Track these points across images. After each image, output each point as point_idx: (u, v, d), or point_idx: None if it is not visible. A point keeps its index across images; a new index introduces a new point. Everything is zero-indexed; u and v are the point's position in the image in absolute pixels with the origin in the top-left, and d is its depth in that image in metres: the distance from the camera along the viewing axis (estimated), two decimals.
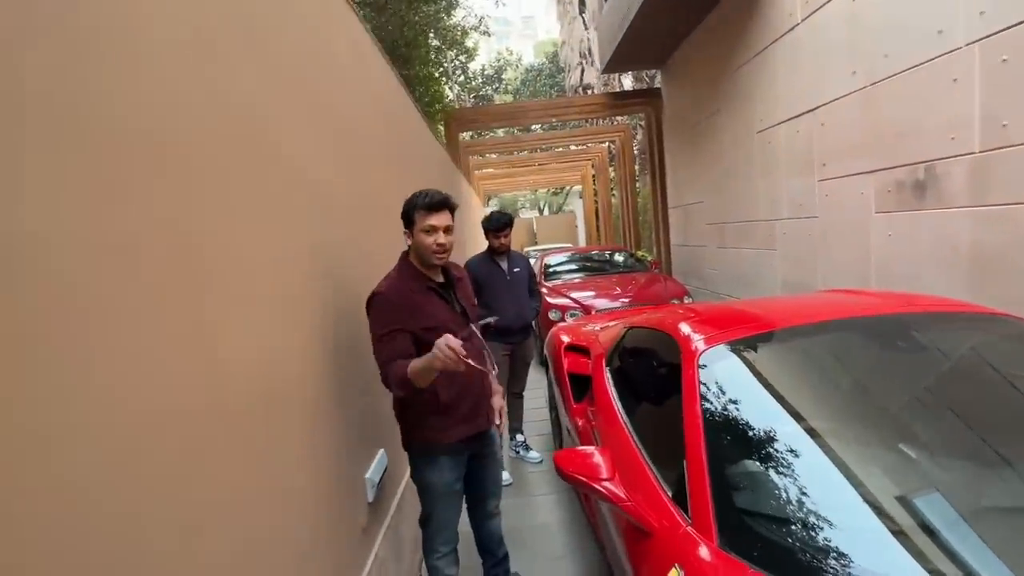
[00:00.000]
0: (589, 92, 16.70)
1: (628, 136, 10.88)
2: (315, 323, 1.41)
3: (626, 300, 5.07)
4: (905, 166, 3.01)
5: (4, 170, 0.56)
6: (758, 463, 1.23)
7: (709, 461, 1.23)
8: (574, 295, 5.29)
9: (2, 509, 0.53)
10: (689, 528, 1.15)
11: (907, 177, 3.01)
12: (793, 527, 1.06)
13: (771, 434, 1.26)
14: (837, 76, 3.52)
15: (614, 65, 7.80)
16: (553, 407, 3.18)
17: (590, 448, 1.47)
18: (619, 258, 7.03)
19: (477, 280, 2.91)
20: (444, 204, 1.58)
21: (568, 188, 23.53)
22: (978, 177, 2.56)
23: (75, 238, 0.65)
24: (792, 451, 1.22)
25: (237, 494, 0.94)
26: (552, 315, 5.01)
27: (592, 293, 5.35)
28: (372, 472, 1.70)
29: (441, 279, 1.67)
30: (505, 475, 2.98)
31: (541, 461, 3.20)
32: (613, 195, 14.68)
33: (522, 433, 3.34)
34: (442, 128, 8.30)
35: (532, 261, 5.56)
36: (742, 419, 1.33)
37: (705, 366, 1.50)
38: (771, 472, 1.19)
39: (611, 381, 2.12)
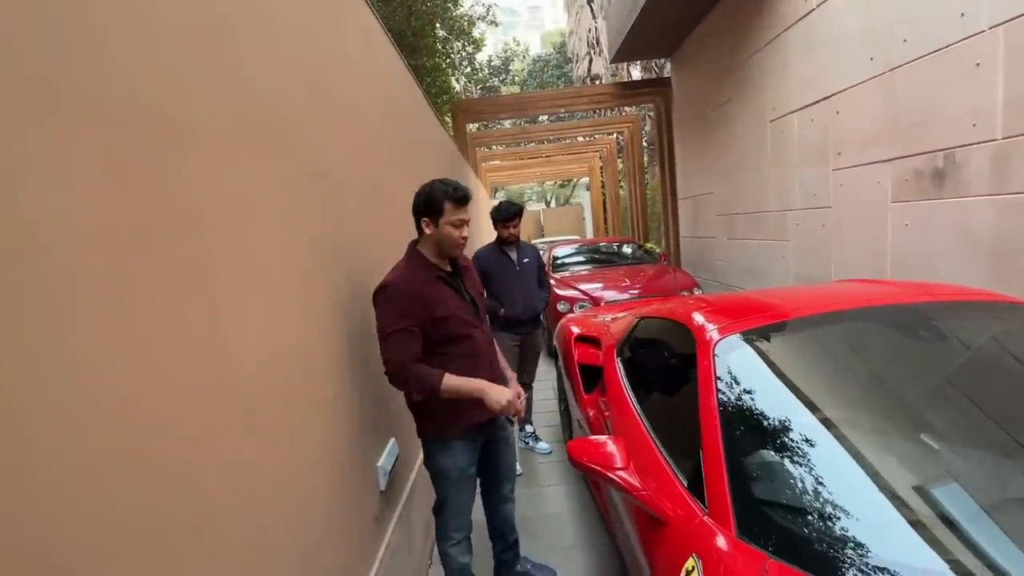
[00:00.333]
0: (597, 82, 16.54)
1: (637, 127, 10.77)
2: (326, 312, 1.41)
3: (635, 292, 5.03)
4: (924, 154, 2.94)
5: (13, 156, 0.55)
6: (775, 453, 1.21)
7: (726, 450, 1.21)
8: (583, 287, 5.26)
9: (25, 500, 0.53)
10: (706, 518, 1.13)
11: (925, 166, 2.94)
12: (811, 517, 1.04)
13: (788, 424, 1.24)
14: (853, 63, 3.45)
15: (623, 55, 7.70)
16: (562, 398, 3.17)
17: (603, 437, 1.46)
18: (627, 250, 6.98)
19: (486, 271, 2.89)
20: (468, 198, 1.60)
21: (575, 180, 23.40)
22: (1000, 164, 2.50)
23: (84, 226, 0.64)
24: (810, 441, 1.20)
25: (251, 482, 0.94)
26: (561, 307, 4.99)
27: (601, 285, 5.32)
28: (384, 460, 1.70)
29: (449, 268, 1.66)
30: (516, 465, 2.99)
31: (550, 452, 3.20)
32: (621, 187, 14.57)
33: (531, 424, 3.34)
34: (449, 120, 8.26)
35: (541, 253, 5.54)
36: (758, 408, 1.31)
37: (721, 355, 1.48)
38: (788, 462, 1.17)
39: (623, 371, 2.11)
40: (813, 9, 3.86)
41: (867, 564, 0.92)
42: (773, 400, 1.32)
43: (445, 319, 1.55)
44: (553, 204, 26.81)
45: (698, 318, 1.75)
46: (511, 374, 1.84)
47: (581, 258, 6.68)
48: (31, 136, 0.58)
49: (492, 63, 19.30)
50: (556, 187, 26.18)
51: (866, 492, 1.06)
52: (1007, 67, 2.42)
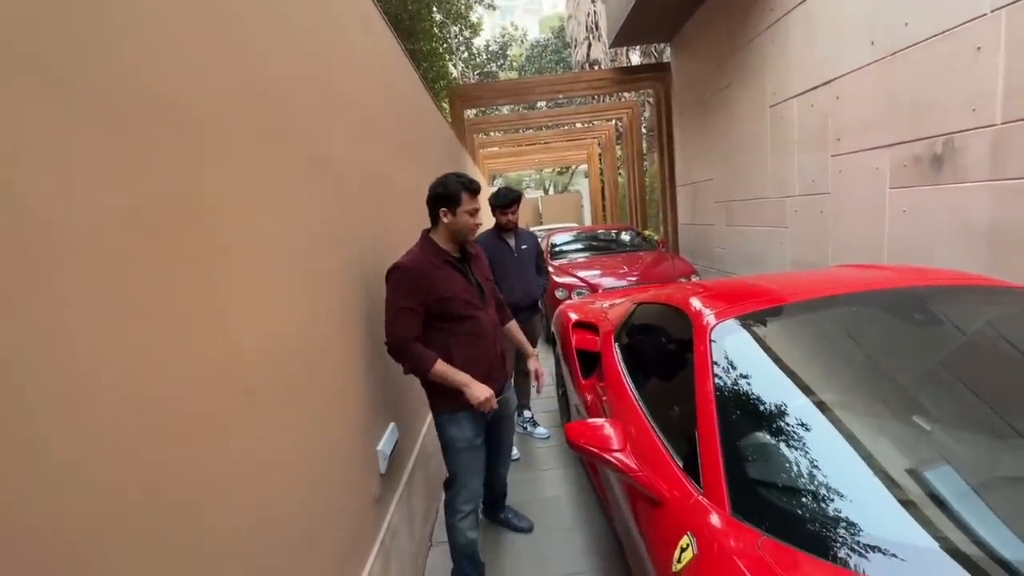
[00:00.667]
0: (596, 68, 16.36)
1: (636, 113, 10.69)
2: (327, 298, 1.41)
3: (633, 278, 5.04)
4: (923, 139, 2.94)
5: (15, 144, 0.55)
6: (769, 434, 1.23)
7: (721, 432, 1.23)
8: (581, 274, 5.27)
9: (32, 484, 0.54)
10: (701, 497, 1.15)
11: (924, 151, 2.94)
12: (804, 496, 1.06)
13: (783, 406, 1.26)
14: (854, 47, 3.42)
15: (622, 39, 7.61)
16: (560, 384, 3.20)
17: (601, 420, 1.47)
18: (626, 237, 6.97)
19: None
20: (480, 189, 1.80)
21: (574, 168, 23.28)
22: (999, 150, 2.50)
23: (87, 211, 0.64)
24: (803, 423, 1.22)
25: (251, 466, 0.95)
26: (559, 294, 5.00)
27: (599, 272, 5.32)
28: (384, 444, 1.71)
29: (458, 255, 1.80)
30: (514, 451, 3.02)
31: (548, 437, 3.24)
32: (620, 174, 14.50)
33: (529, 409, 3.37)
34: (447, 106, 8.18)
35: (539, 241, 5.53)
36: (754, 391, 1.33)
37: (717, 340, 1.49)
38: (782, 443, 1.19)
39: (620, 356, 2.12)
40: None
41: (859, 542, 0.94)
42: (768, 383, 1.34)
43: (450, 299, 1.69)
44: (551, 192, 26.69)
45: (695, 303, 1.76)
46: (531, 350, 2.16)
47: (579, 245, 6.68)
48: (34, 124, 0.58)
49: (490, 48, 19.06)
50: (554, 174, 26.05)
51: (858, 472, 1.08)
52: (1008, 51, 2.41)
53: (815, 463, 1.12)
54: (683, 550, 1.06)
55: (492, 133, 13.15)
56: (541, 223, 17.47)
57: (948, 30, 2.70)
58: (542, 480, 2.73)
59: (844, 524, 0.98)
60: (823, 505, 1.03)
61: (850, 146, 3.58)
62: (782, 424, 1.22)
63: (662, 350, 1.88)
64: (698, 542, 1.05)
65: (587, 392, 2.29)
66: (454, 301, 1.70)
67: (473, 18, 11.13)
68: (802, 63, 4.08)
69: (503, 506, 2.35)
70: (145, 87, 0.76)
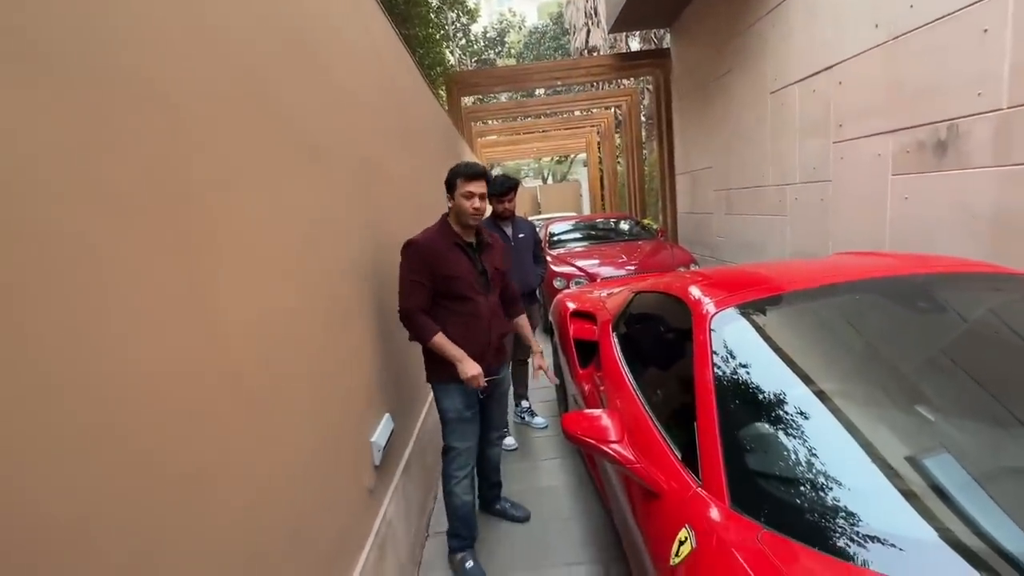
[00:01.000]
0: (595, 54, 16.16)
1: (635, 100, 10.57)
2: (317, 287, 1.37)
3: (631, 268, 5.01)
4: (926, 125, 2.89)
5: None
6: (770, 425, 1.20)
7: (720, 423, 1.20)
8: (579, 263, 5.23)
9: (22, 466, 0.51)
10: (699, 490, 1.13)
11: (928, 137, 2.89)
12: (804, 488, 1.04)
13: (783, 396, 1.23)
14: (857, 30, 3.35)
15: (621, 24, 7.49)
16: (558, 373, 3.18)
17: (598, 411, 1.45)
18: (624, 226, 6.93)
19: None
20: (482, 174, 1.87)
21: (572, 156, 23.12)
22: (1004, 135, 2.45)
23: (65, 194, 0.60)
24: (804, 413, 1.19)
25: (237, 456, 0.93)
26: (557, 283, 4.97)
27: (597, 261, 5.29)
28: (378, 436, 1.69)
29: (472, 241, 1.91)
30: (510, 440, 3.01)
31: (546, 426, 3.22)
32: (619, 162, 14.40)
33: (527, 399, 3.35)
34: (444, 94, 8.07)
35: (536, 230, 5.48)
36: (754, 382, 1.30)
37: (716, 329, 1.46)
38: (783, 434, 1.16)
39: (618, 346, 2.10)
40: None
41: (861, 534, 0.92)
42: (768, 373, 1.31)
43: (453, 279, 1.81)
44: (550, 181, 26.54)
45: (694, 291, 1.73)
46: (536, 346, 2.21)
47: (578, 234, 6.63)
48: (9, 102, 0.54)
49: (487, 35, 18.81)
50: (553, 163, 25.88)
51: (860, 463, 1.05)
52: (1015, 33, 2.35)
53: (816, 454, 1.10)
54: (681, 543, 1.04)
55: (490, 121, 13.02)
56: (540, 212, 17.38)
57: (954, 12, 2.64)
58: (540, 470, 2.72)
59: (846, 516, 0.96)
60: (824, 497, 1.00)
61: (852, 132, 3.53)
62: (782, 415, 1.20)
63: (660, 340, 1.85)
64: (697, 535, 1.02)
65: (584, 382, 2.26)
66: (457, 282, 1.82)
67: (470, 4, 10.95)
68: (803, 48, 4.00)
69: (499, 496, 2.34)
70: (126, 69, 0.72)
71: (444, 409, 1.92)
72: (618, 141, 14.36)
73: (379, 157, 2.25)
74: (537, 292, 3.28)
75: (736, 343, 1.42)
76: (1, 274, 0.53)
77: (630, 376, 1.82)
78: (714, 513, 1.05)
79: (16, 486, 0.53)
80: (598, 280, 4.73)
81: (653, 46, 12.50)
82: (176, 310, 0.79)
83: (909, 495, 0.96)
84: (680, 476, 1.20)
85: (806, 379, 1.29)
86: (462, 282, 1.83)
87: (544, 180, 27.30)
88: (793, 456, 1.11)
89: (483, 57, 17.83)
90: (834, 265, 1.88)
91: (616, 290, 2.95)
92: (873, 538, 0.91)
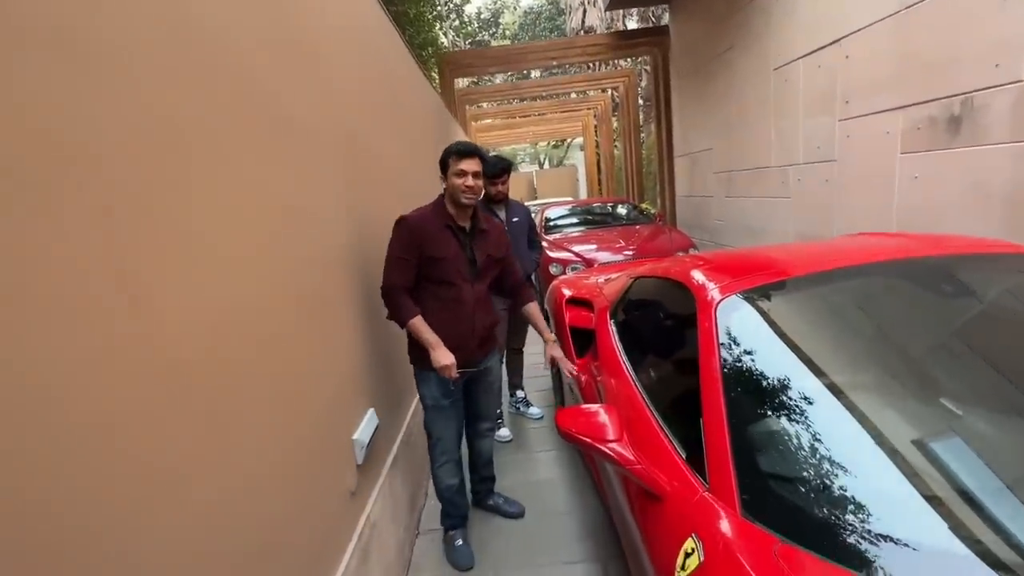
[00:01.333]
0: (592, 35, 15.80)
1: (632, 81, 10.34)
2: (288, 274, 1.25)
3: (630, 253, 4.89)
4: (939, 100, 2.75)
5: None
6: (784, 422, 1.09)
7: (729, 420, 1.10)
8: (576, 248, 5.11)
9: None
10: (707, 494, 1.03)
11: (940, 112, 2.75)
12: (825, 494, 0.93)
13: (799, 390, 1.12)
14: (867, 0, 3.18)
15: (619, 1, 7.26)
16: (554, 362, 3.07)
17: (595, 406, 1.34)
18: (622, 210, 6.80)
19: None
20: (474, 152, 1.80)
21: (569, 141, 22.82)
22: (1023, 109, 2.32)
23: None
24: (822, 409, 1.08)
25: (190, 461, 0.81)
26: (553, 269, 4.85)
27: (594, 246, 5.17)
28: (360, 433, 1.58)
29: (466, 225, 1.83)
30: (505, 431, 2.91)
31: (542, 417, 3.13)
32: (616, 146, 14.17)
33: (522, 389, 3.25)
34: (436, 76, 7.85)
35: (532, 214, 5.34)
36: (766, 374, 1.19)
37: (723, 316, 1.35)
38: (799, 432, 1.06)
39: (616, 335, 1.99)
40: None
41: (890, 548, 0.82)
42: (782, 364, 1.20)
43: (438, 261, 1.75)
44: (547, 166, 26.24)
45: (698, 276, 1.61)
46: (550, 336, 2.05)
47: (575, 219, 6.50)
48: None
49: (481, 16, 18.38)
50: (550, 148, 25.56)
51: (885, 466, 0.95)
52: None
53: (837, 456, 0.99)
54: (688, 555, 0.94)
55: (485, 104, 12.75)
56: (536, 197, 17.17)
57: None
58: (535, 462, 2.63)
59: (872, 527, 0.86)
60: (848, 505, 0.90)
61: (859, 109, 3.38)
62: (798, 410, 1.09)
63: (661, 329, 1.74)
64: (705, 547, 0.92)
65: (581, 372, 2.16)
66: (442, 264, 1.75)
67: None
68: (809, 21, 3.84)
69: (492, 490, 2.25)
70: (55, 21, 0.58)
71: (422, 395, 1.89)
72: (615, 124, 14.11)
73: (365, 136, 2.11)
74: (533, 278, 3.15)
75: (744, 331, 1.31)
76: None
77: (629, 367, 1.71)
78: (724, 522, 0.95)
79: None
80: (595, 266, 4.61)
81: (651, 25, 12.19)
82: (95, 299, 0.67)
83: (939, 505, 0.85)
84: (685, 478, 1.10)
85: (823, 371, 1.18)
86: (447, 266, 1.76)
87: (541, 165, 26.99)
88: (811, 457, 1.00)
89: (477, 39, 17.43)
90: (845, 247, 1.77)
91: (614, 276, 2.84)
92: (906, 552, 0.81)
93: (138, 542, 0.69)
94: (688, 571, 0.92)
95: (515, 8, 20.44)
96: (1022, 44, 2.29)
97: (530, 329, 3.18)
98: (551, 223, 6.36)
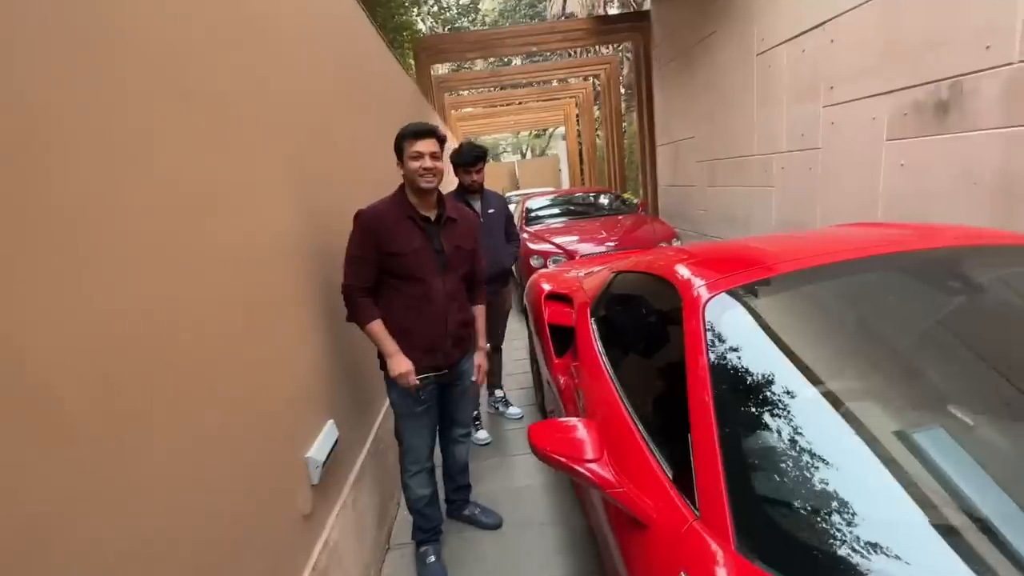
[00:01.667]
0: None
1: (614, 69, 10.18)
2: (226, 275, 1.08)
3: (612, 244, 4.78)
4: (927, 84, 2.66)
5: None
6: (785, 439, 0.97)
7: (721, 437, 0.97)
8: (557, 240, 4.98)
9: None
10: (696, 523, 0.90)
11: (928, 97, 2.67)
12: (833, 525, 0.81)
13: (802, 402, 1.00)
14: None
15: None
16: (535, 359, 2.95)
17: (572, 420, 1.21)
18: (604, 200, 6.68)
19: None
20: (430, 132, 1.63)
21: (551, 131, 22.61)
22: (1015, 92, 2.24)
23: None
24: (828, 423, 0.96)
25: (93, 499, 0.66)
26: (534, 261, 4.72)
27: (576, 237, 5.04)
28: (315, 450, 1.43)
29: (430, 215, 1.68)
30: (484, 434, 2.78)
31: (522, 417, 3.00)
32: (598, 135, 14.04)
33: (501, 388, 3.12)
34: (413, 63, 7.58)
35: (512, 206, 5.18)
36: (763, 382, 1.07)
37: (712, 316, 1.22)
38: (802, 451, 0.94)
39: (597, 334, 1.86)
40: None
41: None
42: (781, 371, 1.08)
43: (398, 256, 1.61)
44: (528, 156, 26.00)
45: (683, 272, 1.49)
46: (482, 343, 1.93)
47: (556, 210, 6.36)
48: None
49: (460, 1, 17.96)
50: (531, 138, 25.32)
51: (898, 491, 0.83)
52: None
53: (848, 477, 0.87)
54: None
55: (465, 92, 12.46)
56: (518, 188, 16.97)
57: None
58: (514, 467, 2.50)
59: (885, 563, 0.74)
60: (861, 538, 0.78)
61: (844, 95, 3.29)
62: (802, 425, 0.97)
63: (644, 330, 1.61)
64: None
65: (561, 374, 2.03)
66: (405, 259, 1.62)
67: None
68: (793, 4, 3.73)
69: (468, 500, 2.12)
70: None
71: (392, 402, 1.78)
72: (597, 113, 13.97)
73: (322, 120, 1.93)
74: (513, 271, 3.01)
75: (737, 333, 1.19)
76: None
77: (610, 371, 1.58)
78: (718, 557, 0.83)
79: None
80: (577, 257, 4.49)
81: (633, 9, 12.01)
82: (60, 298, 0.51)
83: (963, 540, 0.74)
84: (672, 503, 0.98)
85: (830, 379, 1.06)
86: (412, 260, 1.62)
87: (523, 155, 26.75)
88: (817, 480, 0.88)
89: (456, 26, 17.03)
90: (839, 239, 1.66)
91: (595, 269, 2.71)
92: None
93: None
94: None
95: None
96: (1014, 26, 2.21)
97: (508, 324, 3.06)
98: (532, 214, 6.21)
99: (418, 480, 1.82)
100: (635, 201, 6.86)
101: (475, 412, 2.83)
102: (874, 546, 0.76)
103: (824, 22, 3.40)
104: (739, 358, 1.14)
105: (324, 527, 1.46)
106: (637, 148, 8.28)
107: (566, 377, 1.98)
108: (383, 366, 1.70)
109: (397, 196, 1.68)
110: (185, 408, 0.92)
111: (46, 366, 0.66)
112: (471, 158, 2.61)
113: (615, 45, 12.02)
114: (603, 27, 7.64)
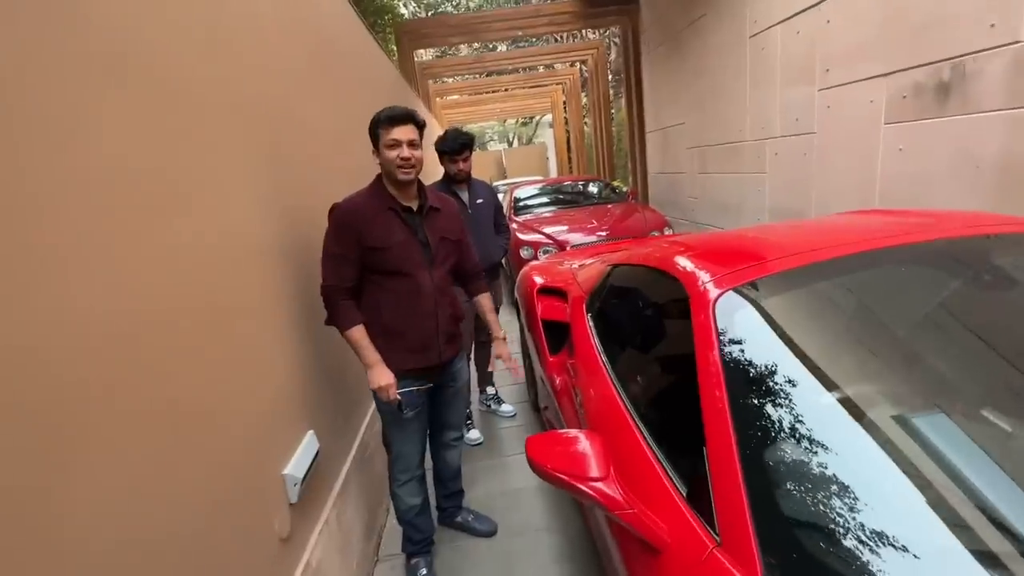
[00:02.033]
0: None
1: (602, 54, 10.01)
2: (183, 277, 0.95)
3: (603, 233, 4.68)
4: (927, 65, 2.58)
5: None
6: (816, 451, 0.88)
7: (742, 450, 0.88)
8: (547, 230, 4.87)
9: None
10: (718, 551, 0.81)
11: (928, 79, 2.59)
12: (879, 553, 0.72)
13: (832, 410, 0.91)
14: None
15: None
16: (527, 354, 2.85)
17: (573, 432, 1.10)
18: (593, 189, 6.57)
19: None
20: (407, 117, 1.51)
21: (538, 119, 22.36)
22: (1021, 72, 2.16)
23: None
24: (867, 433, 0.87)
25: (38, 533, 0.54)
26: (524, 252, 4.61)
27: (566, 227, 4.93)
28: (293, 466, 1.31)
29: (411, 205, 1.57)
30: (475, 433, 2.69)
31: (515, 415, 2.91)
32: (586, 122, 13.88)
33: (493, 385, 3.02)
34: (395, 49, 7.34)
35: (500, 196, 5.04)
36: (785, 387, 0.97)
37: (723, 315, 1.13)
38: (839, 466, 0.84)
39: (594, 331, 1.76)
40: None
41: None
42: (804, 375, 0.98)
43: (382, 250, 1.51)
44: (515, 144, 25.72)
45: (685, 264, 1.39)
46: (499, 332, 1.89)
47: (545, 199, 6.24)
48: None
49: None
50: (518, 126, 25.03)
51: (957, 512, 0.74)
52: None
53: (891, 496, 0.78)
54: None
55: (450, 79, 12.19)
56: (505, 177, 16.77)
57: None
58: (508, 468, 2.41)
59: None
60: (911, 571, 0.69)
61: (840, 78, 3.20)
62: (837, 438, 0.87)
63: (647, 331, 1.50)
64: None
65: (556, 373, 1.93)
66: (388, 253, 1.51)
67: None
68: None
69: (461, 506, 2.02)
70: None
71: (379, 409, 1.67)
72: (584, 100, 13.79)
73: (292, 106, 1.78)
74: (504, 263, 2.89)
75: (752, 332, 1.09)
76: None
77: (611, 372, 1.48)
78: None
79: None
80: (568, 248, 4.38)
81: None
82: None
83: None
84: (689, 526, 0.88)
85: (861, 383, 0.97)
86: (396, 254, 1.52)
87: (510, 144, 26.45)
88: (856, 500, 0.79)
89: (440, 11, 16.63)
90: (858, 227, 1.56)
91: (588, 261, 2.60)
92: None
93: None
94: None
95: None
96: (1020, 1, 2.12)
97: (499, 318, 2.94)
98: (520, 203, 6.08)
99: (408, 489, 1.72)
100: (625, 189, 6.76)
101: (467, 411, 2.72)
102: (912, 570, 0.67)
103: (820, 2, 3.29)
104: (759, 362, 1.04)
105: (305, 549, 1.35)
106: (626, 135, 8.16)
107: (561, 377, 1.88)
108: None
109: (375, 187, 1.57)
110: (143, 425, 0.80)
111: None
112: (457, 145, 2.48)
113: (602, 30, 11.83)
114: (590, 11, 7.45)
